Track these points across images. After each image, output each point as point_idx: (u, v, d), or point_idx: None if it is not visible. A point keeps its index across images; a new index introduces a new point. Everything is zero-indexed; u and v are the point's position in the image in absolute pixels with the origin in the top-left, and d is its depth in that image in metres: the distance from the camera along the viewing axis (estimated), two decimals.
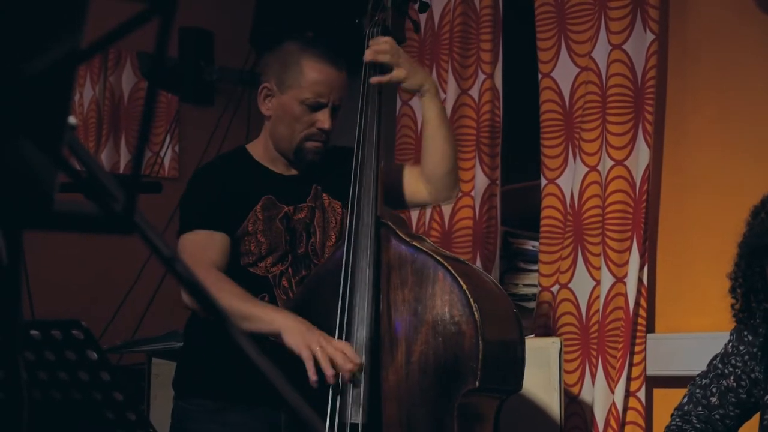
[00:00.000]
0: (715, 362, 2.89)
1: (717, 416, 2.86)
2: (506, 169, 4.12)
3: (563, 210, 3.84)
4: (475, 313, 2.83)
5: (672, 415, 2.94)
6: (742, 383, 2.83)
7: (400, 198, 3.26)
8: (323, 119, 3.12)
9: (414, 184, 3.23)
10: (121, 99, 4.75)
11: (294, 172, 3.21)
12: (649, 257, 3.68)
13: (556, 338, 3.54)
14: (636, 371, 3.63)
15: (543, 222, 3.89)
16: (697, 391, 2.89)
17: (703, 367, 2.92)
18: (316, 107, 3.12)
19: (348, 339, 2.90)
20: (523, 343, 2.96)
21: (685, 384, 3.00)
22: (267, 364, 1.15)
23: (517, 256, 4.12)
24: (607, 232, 3.65)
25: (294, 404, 1.17)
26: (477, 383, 2.81)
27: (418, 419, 2.87)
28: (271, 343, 2.87)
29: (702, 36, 3.71)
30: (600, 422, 3.61)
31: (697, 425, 2.87)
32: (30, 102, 0.99)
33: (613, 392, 3.59)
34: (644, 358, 3.63)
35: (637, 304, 3.61)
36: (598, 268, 3.68)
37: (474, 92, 4.08)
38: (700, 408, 2.87)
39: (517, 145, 4.28)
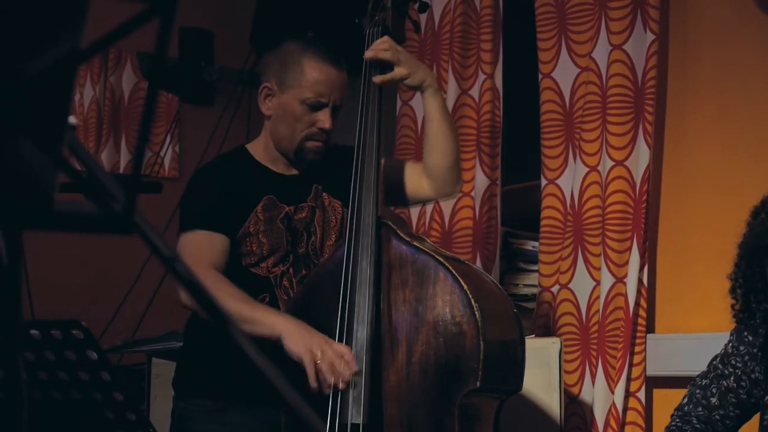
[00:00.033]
0: (715, 363, 2.89)
1: (717, 417, 2.86)
2: (506, 169, 4.12)
3: (563, 210, 3.84)
4: (476, 313, 2.83)
5: (672, 415, 2.94)
6: (742, 384, 2.83)
7: (402, 194, 3.25)
8: (324, 119, 3.12)
9: (416, 180, 3.23)
10: (122, 99, 4.75)
11: (294, 171, 3.21)
12: (649, 257, 3.68)
13: (556, 338, 3.54)
14: (636, 371, 3.62)
15: (543, 222, 3.89)
16: (697, 391, 2.89)
17: (703, 368, 2.92)
18: (316, 107, 3.12)
19: (348, 338, 2.90)
20: (523, 344, 2.96)
21: (685, 384, 2.99)
22: (267, 364, 1.15)
23: (517, 256, 4.12)
24: (607, 233, 3.65)
25: (294, 404, 1.17)
26: (478, 383, 2.81)
27: (419, 419, 2.87)
28: (271, 344, 2.86)
29: (702, 36, 3.71)
30: (600, 422, 3.60)
31: (697, 426, 2.86)
32: (30, 102, 0.99)
33: (613, 392, 3.59)
34: (644, 359, 3.62)
35: (637, 304, 3.61)
36: (598, 269, 3.67)
37: (474, 92, 4.07)
38: (700, 408, 2.87)
39: (517, 145, 4.28)
